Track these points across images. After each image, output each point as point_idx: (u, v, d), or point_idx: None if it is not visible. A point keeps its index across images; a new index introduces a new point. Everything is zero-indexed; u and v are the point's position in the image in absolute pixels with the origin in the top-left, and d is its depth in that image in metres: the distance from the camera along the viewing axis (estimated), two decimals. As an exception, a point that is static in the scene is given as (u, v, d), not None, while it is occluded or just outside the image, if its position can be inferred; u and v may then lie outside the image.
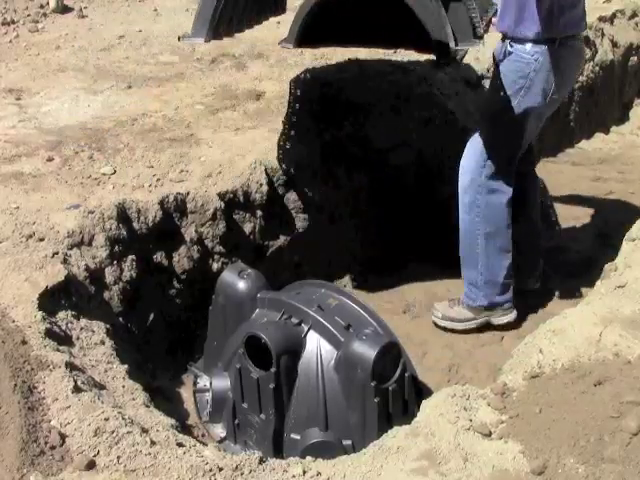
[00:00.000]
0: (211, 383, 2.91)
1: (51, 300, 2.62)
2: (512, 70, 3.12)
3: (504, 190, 3.28)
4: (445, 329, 3.50)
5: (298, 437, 2.66)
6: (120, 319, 2.99)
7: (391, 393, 2.57)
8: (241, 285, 2.90)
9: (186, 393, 3.11)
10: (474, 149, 3.29)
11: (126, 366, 2.56)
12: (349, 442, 2.61)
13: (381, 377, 2.55)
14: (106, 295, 2.96)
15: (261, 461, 1.97)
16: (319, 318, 2.70)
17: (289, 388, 2.66)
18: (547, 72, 3.08)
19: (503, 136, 3.22)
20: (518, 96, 3.12)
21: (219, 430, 2.88)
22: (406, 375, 2.63)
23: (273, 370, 2.60)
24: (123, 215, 3.10)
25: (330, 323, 2.69)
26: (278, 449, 2.68)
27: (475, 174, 3.27)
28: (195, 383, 3.02)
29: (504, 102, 3.13)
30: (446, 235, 3.60)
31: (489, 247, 3.32)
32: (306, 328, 2.71)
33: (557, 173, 4.95)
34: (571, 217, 4.39)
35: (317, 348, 2.68)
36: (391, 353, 2.60)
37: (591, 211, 4.45)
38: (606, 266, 2.77)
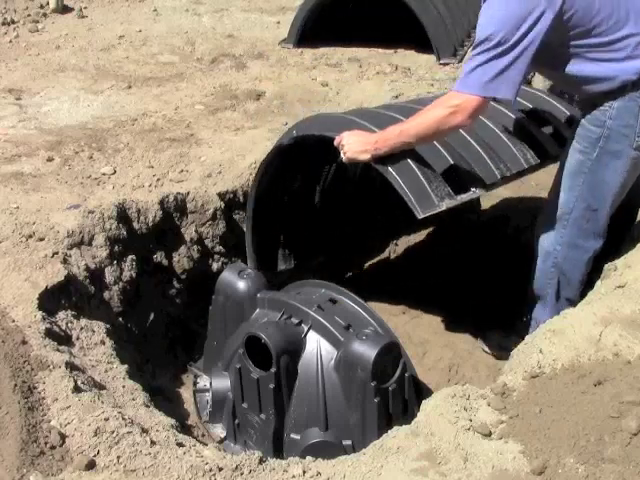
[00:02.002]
0: (211, 383, 2.91)
1: (51, 300, 2.62)
2: (588, 119, 2.90)
3: (587, 247, 3.02)
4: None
5: (298, 437, 2.66)
6: (120, 319, 2.99)
7: (391, 393, 2.57)
8: (241, 285, 2.89)
9: (186, 393, 3.11)
10: (557, 197, 3.05)
11: (126, 366, 2.56)
12: (349, 442, 2.60)
13: (381, 377, 2.55)
14: (106, 295, 2.96)
15: (261, 461, 1.97)
16: (319, 318, 2.70)
17: (289, 388, 2.66)
18: (625, 117, 2.80)
19: (580, 188, 2.95)
20: (597, 146, 2.87)
21: (219, 430, 2.87)
22: (406, 375, 2.62)
23: (273, 370, 2.59)
24: (123, 215, 3.10)
25: (330, 323, 2.68)
26: (278, 449, 2.68)
27: (556, 225, 3.05)
28: (195, 383, 3.02)
29: (583, 153, 2.91)
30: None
31: (560, 298, 3.17)
32: (306, 328, 2.70)
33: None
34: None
35: (317, 348, 2.67)
36: (391, 353, 2.59)
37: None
38: (606, 266, 2.77)
